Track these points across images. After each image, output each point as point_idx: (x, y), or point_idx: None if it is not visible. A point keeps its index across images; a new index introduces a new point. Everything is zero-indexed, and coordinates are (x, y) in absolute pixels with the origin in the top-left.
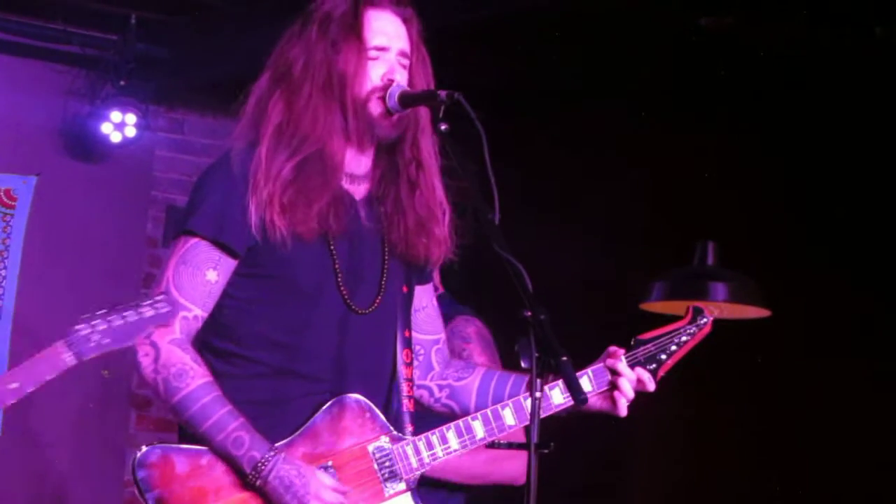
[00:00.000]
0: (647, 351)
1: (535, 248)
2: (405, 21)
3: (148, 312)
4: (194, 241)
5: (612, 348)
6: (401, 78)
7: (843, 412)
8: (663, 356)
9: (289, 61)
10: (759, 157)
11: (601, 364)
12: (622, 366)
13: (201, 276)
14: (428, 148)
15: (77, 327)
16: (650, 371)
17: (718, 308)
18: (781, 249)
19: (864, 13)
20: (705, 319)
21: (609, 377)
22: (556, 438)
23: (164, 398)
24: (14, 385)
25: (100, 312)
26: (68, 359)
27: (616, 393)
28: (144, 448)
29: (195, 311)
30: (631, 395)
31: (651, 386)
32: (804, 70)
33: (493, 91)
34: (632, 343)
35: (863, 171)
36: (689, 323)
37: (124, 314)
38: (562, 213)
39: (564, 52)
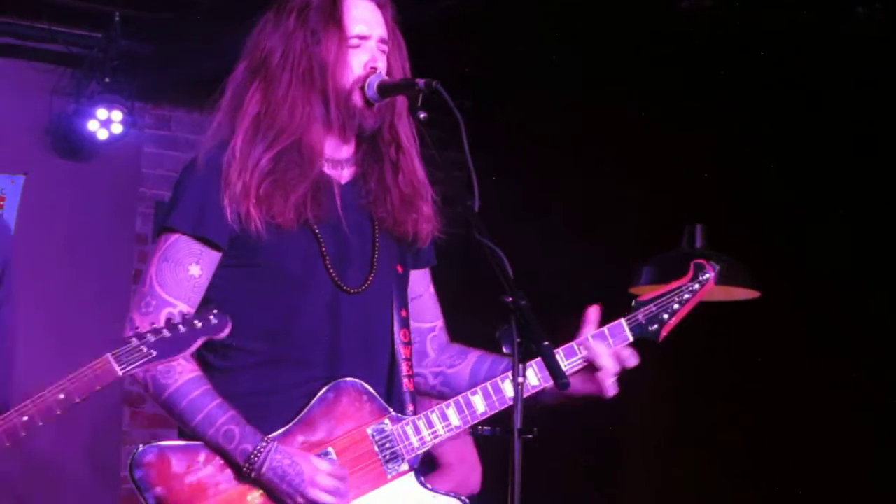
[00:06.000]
0: (648, 311)
1: (524, 236)
2: (381, 7)
3: (198, 324)
4: (175, 237)
5: (588, 311)
6: (382, 65)
7: (832, 392)
8: (665, 315)
9: (265, 51)
10: (747, 139)
11: (571, 344)
12: (593, 343)
13: (184, 271)
14: (406, 130)
15: (127, 339)
16: (652, 332)
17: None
18: (770, 231)
19: None
20: (708, 275)
21: (582, 354)
22: (538, 423)
23: (155, 395)
24: (61, 396)
25: (154, 327)
26: (116, 370)
27: (599, 374)
28: (141, 447)
29: (180, 307)
30: (613, 367)
31: (633, 361)
32: (787, 52)
33: (481, 80)
34: (632, 304)
35: (850, 152)
36: (692, 280)
37: (176, 326)
38: (551, 198)
39: (548, 39)
